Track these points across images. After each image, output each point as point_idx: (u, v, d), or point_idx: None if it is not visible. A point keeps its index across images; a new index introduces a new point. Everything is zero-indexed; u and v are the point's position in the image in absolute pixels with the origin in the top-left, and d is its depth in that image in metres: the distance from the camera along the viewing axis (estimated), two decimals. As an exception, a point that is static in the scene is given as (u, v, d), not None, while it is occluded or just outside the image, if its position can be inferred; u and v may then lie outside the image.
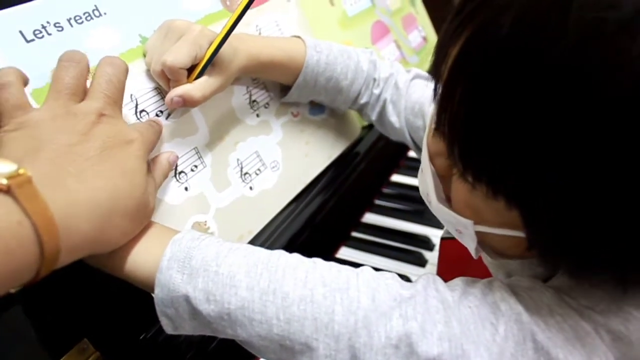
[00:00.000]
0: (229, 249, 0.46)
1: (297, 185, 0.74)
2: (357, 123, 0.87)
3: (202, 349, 0.60)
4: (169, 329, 0.46)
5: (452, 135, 0.36)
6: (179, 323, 0.45)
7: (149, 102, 0.58)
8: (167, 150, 0.58)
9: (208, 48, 0.55)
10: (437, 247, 0.87)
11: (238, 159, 0.67)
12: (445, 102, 0.36)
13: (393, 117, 0.73)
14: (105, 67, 0.47)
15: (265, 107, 0.72)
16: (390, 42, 1.00)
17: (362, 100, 0.74)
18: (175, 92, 0.54)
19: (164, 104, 0.59)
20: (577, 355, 0.37)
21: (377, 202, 0.99)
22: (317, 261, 0.46)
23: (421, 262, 0.85)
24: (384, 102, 0.73)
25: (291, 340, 0.42)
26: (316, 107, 0.79)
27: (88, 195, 0.39)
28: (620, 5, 0.28)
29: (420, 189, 0.50)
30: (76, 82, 0.45)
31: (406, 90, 0.72)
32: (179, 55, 0.53)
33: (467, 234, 0.44)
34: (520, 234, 0.39)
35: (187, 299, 0.43)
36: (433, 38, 1.14)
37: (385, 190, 1.02)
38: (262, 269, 0.44)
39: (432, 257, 0.86)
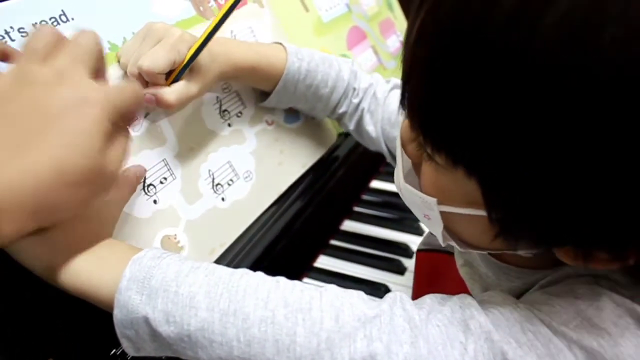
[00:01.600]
0: (190, 268, 0.45)
1: (271, 195, 0.73)
2: (332, 131, 0.86)
3: None
4: (130, 350, 0.45)
5: (413, 105, 0.38)
6: (140, 345, 0.44)
7: None
8: (135, 162, 0.57)
9: (187, 52, 0.55)
10: (414, 264, 0.86)
11: (209, 170, 0.65)
12: (407, 76, 0.38)
13: (370, 127, 0.73)
14: (76, 34, 0.44)
15: (238, 116, 0.71)
16: (367, 48, 1.00)
17: (341, 109, 0.74)
18: (149, 90, 0.54)
19: None
20: None
21: (356, 209, 0.98)
22: (280, 280, 0.45)
23: (400, 269, 0.84)
24: (362, 111, 0.73)
25: None
26: (291, 115, 0.78)
27: (25, 169, 0.37)
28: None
29: (395, 182, 0.49)
30: (42, 44, 0.42)
31: (384, 101, 0.72)
32: (156, 60, 0.52)
33: (433, 217, 0.43)
34: (482, 212, 0.38)
35: (146, 321, 0.42)
36: (411, 43, 1.14)
37: (365, 197, 1.01)
38: (222, 289, 0.43)
39: (411, 264, 0.85)
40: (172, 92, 0.55)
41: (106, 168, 0.42)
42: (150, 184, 0.58)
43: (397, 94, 0.73)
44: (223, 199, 0.66)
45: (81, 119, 0.40)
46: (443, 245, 0.47)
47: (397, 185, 0.48)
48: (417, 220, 0.92)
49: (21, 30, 0.51)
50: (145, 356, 0.53)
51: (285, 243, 0.73)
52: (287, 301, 0.42)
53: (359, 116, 0.74)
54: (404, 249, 0.88)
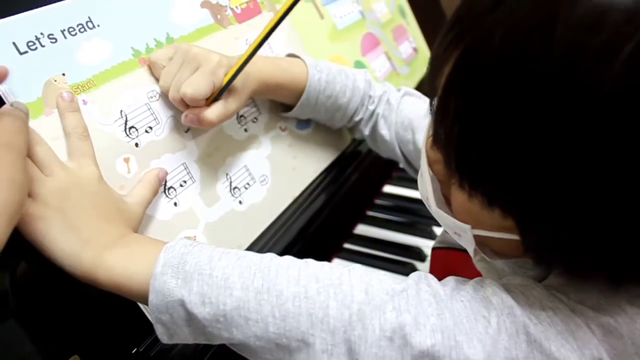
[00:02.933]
0: (222, 253, 0.46)
1: (286, 199, 0.74)
2: (343, 137, 0.88)
3: None
4: (164, 337, 0.46)
5: (449, 148, 0.39)
6: (173, 330, 0.46)
7: (139, 118, 0.59)
8: (156, 166, 0.59)
9: (225, 75, 0.58)
10: (429, 258, 0.87)
11: (227, 174, 0.67)
12: (440, 117, 0.39)
13: (384, 131, 0.76)
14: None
15: (254, 122, 0.72)
16: (381, 54, 1.01)
17: (358, 117, 0.77)
18: (192, 111, 0.58)
19: (154, 120, 0.60)
20: (569, 349, 0.38)
21: (369, 213, 0.99)
22: (309, 261, 0.47)
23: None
24: (377, 117, 0.77)
25: (287, 338, 0.42)
26: (302, 122, 0.80)
27: None
28: (600, 28, 0.30)
29: (420, 193, 0.52)
30: None
31: (397, 106, 0.76)
32: (198, 88, 0.56)
33: (465, 237, 0.46)
34: (516, 237, 0.40)
35: (182, 304, 0.44)
36: (424, 49, 1.15)
37: (378, 202, 1.03)
38: (255, 270, 0.45)
39: (424, 267, 0.86)
40: (212, 113, 0.58)
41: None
42: (171, 187, 0.60)
43: (409, 100, 0.77)
44: (240, 202, 0.68)
45: None
46: (474, 258, 0.48)
47: (426, 202, 0.50)
48: (429, 225, 0.94)
49: (50, 36, 0.53)
50: (167, 355, 0.56)
51: (301, 246, 0.75)
52: (318, 277, 0.44)
53: (374, 122, 0.77)
54: (417, 253, 0.89)
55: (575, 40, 0.31)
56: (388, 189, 1.06)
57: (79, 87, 0.55)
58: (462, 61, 0.36)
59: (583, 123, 0.31)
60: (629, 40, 0.30)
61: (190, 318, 0.44)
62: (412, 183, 1.04)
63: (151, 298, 0.45)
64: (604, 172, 0.32)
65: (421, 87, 1.07)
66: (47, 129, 0.51)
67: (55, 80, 0.53)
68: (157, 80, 0.61)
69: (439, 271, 0.67)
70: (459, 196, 0.42)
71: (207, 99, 0.58)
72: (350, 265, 0.46)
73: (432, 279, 0.44)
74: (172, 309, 0.44)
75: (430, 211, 0.50)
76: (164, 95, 0.61)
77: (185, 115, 0.58)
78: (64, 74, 0.53)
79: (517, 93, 0.33)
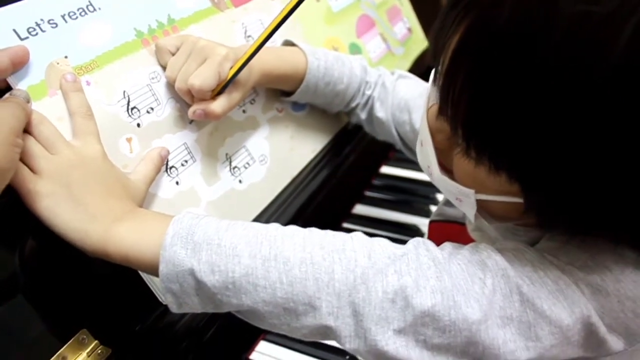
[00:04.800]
0: (228, 224, 0.47)
1: (285, 178, 0.76)
2: (338, 118, 0.89)
3: (197, 337, 0.62)
4: (173, 306, 0.47)
5: (456, 117, 0.40)
6: (183, 299, 0.46)
7: (141, 98, 0.60)
8: (158, 146, 0.60)
9: (230, 69, 0.60)
10: (426, 236, 0.89)
11: (227, 154, 0.68)
12: (448, 87, 0.40)
13: (380, 113, 0.78)
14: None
15: (251, 104, 0.73)
16: (376, 35, 1.02)
17: (355, 102, 0.80)
18: (199, 106, 0.60)
19: (155, 101, 0.61)
20: (560, 307, 0.41)
21: (367, 193, 1.01)
22: (312, 229, 0.48)
23: (410, 250, 0.86)
24: (372, 100, 0.79)
25: (295, 302, 0.44)
26: (298, 103, 0.80)
27: None
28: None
29: (420, 162, 0.54)
30: None
31: (392, 89, 0.78)
32: (205, 80, 0.58)
33: (467, 202, 0.47)
34: (519, 199, 0.42)
35: (192, 273, 0.45)
36: (417, 29, 1.15)
37: (375, 182, 1.04)
38: (262, 238, 0.46)
39: None
40: (218, 106, 0.60)
41: None
42: (173, 167, 0.61)
43: (403, 82, 0.79)
44: (240, 181, 0.69)
45: None
46: (472, 221, 0.50)
47: (429, 173, 0.51)
48: (426, 204, 0.96)
49: (51, 21, 0.54)
50: (172, 328, 0.58)
51: (299, 225, 0.75)
52: (323, 244, 0.45)
53: (370, 105, 0.80)
54: (414, 230, 0.91)
55: (579, 11, 0.32)
56: (385, 169, 1.07)
57: (82, 68, 0.55)
58: (471, 31, 0.37)
59: (587, 90, 0.33)
60: (634, 12, 0.31)
61: (200, 287, 0.45)
62: (408, 163, 1.06)
63: (161, 268, 0.46)
64: (608, 134, 0.34)
65: (416, 66, 1.08)
66: (51, 109, 0.52)
67: (58, 63, 0.53)
68: (161, 65, 0.63)
69: (436, 242, 0.70)
70: (462, 163, 0.44)
71: (212, 91, 0.60)
72: (352, 233, 0.48)
73: (430, 244, 0.46)
74: (182, 279, 0.45)
75: (432, 179, 0.52)
76: (165, 77, 0.63)
77: (194, 111, 0.60)
78: (66, 57, 0.54)
79: (524, 61, 0.34)
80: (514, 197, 0.42)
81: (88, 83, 0.56)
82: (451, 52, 0.39)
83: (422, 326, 0.41)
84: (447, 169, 0.49)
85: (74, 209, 0.48)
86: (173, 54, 0.62)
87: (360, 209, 0.98)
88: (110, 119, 0.57)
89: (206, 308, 0.48)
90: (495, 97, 0.37)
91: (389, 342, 0.42)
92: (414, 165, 1.03)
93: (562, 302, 0.41)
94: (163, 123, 0.62)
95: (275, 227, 0.48)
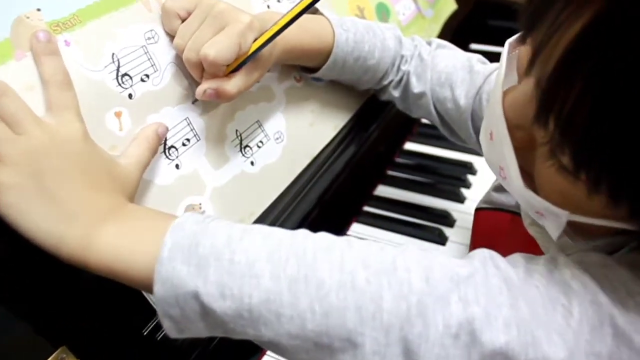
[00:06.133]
0: (243, 231, 0.40)
1: (304, 159, 0.67)
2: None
3: (203, 347, 0.55)
4: (172, 332, 0.40)
5: (565, 131, 0.33)
6: (184, 325, 0.39)
7: (134, 63, 0.52)
8: (154, 121, 0.52)
9: (253, 42, 0.52)
10: (458, 223, 0.81)
11: (237, 130, 0.60)
12: (556, 93, 0.32)
13: (417, 90, 0.70)
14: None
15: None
16: (405, -5, 0.92)
17: (387, 79, 0.72)
18: (210, 85, 0.52)
19: (151, 66, 0.53)
20: None
21: (390, 172, 0.93)
22: (352, 239, 0.40)
23: (441, 239, 0.78)
24: (408, 75, 0.71)
25: (329, 337, 0.37)
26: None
27: None
28: None
29: (489, 159, 0.45)
30: None
31: (431, 61, 0.70)
32: (221, 50, 0.50)
33: (554, 220, 0.39)
34: (626, 225, 0.35)
35: (196, 296, 0.37)
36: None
37: (399, 160, 0.96)
38: (287, 253, 0.38)
39: (453, 234, 0.79)
40: (233, 85, 0.53)
41: None
42: (172, 146, 0.54)
43: (442, 53, 0.72)
44: (252, 163, 0.61)
45: None
46: (555, 240, 0.42)
47: (500, 176, 0.43)
48: (456, 186, 0.88)
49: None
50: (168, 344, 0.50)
51: (319, 211, 0.68)
52: (366, 261, 0.38)
53: (406, 81, 0.71)
54: (444, 217, 0.82)
55: None
56: (409, 146, 0.99)
57: (60, 24, 0.47)
58: (597, 25, 0.30)
59: None
60: None
61: (206, 312, 0.38)
62: (434, 140, 0.98)
63: (157, 289, 0.38)
64: None
65: (445, 30, 1.01)
66: (18, 76, 0.43)
67: (28, 17, 0.45)
68: (167, 31, 0.55)
69: (484, 234, 0.65)
70: (554, 177, 0.36)
71: (227, 66, 0.52)
72: (402, 246, 0.40)
73: (500, 259, 0.38)
74: (184, 302, 0.38)
75: (504, 184, 0.43)
76: (165, 37, 0.54)
77: (204, 90, 0.52)
78: (39, 9, 0.46)
79: None
80: (621, 222, 0.35)
81: (67, 43, 0.47)
82: (565, 49, 0.31)
83: None
84: (524, 170, 0.40)
85: (45, 206, 0.39)
86: (183, 20, 0.53)
87: (382, 190, 0.89)
88: (95, 89, 0.49)
89: (215, 333, 0.40)
90: (628, 111, 0.29)
91: None
92: (442, 142, 0.96)
93: None
94: (161, 94, 0.53)
95: (303, 236, 0.40)
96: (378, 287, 0.36)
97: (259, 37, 0.52)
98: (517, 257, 0.40)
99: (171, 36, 0.54)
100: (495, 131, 0.41)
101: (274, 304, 0.37)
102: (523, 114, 0.36)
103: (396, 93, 0.72)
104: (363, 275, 0.37)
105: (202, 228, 0.39)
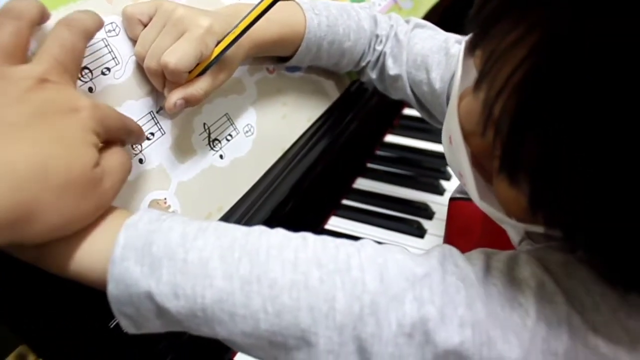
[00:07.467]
0: (197, 229, 0.39)
1: (276, 152, 0.66)
2: (341, 79, 0.78)
3: (175, 337, 0.53)
4: (130, 329, 0.39)
5: (517, 158, 0.31)
6: (141, 322, 0.39)
7: (94, 56, 0.50)
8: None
9: (215, 46, 0.51)
10: (437, 216, 0.81)
11: (204, 124, 0.58)
12: (509, 138, 0.31)
13: (393, 71, 0.68)
14: (60, 29, 0.40)
15: (236, 62, 0.63)
16: (381, -15, 0.90)
17: (365, 61, 0.70)
18: (177, 95, 0.50)
19: (112, 59, 0.51)
20: (620, 343, 0.33)
21: (370, 165, 0.92)
22: (308, 236, 0.39)
23: (420, 232, 0.78)
24: (384, 56, 0.69)
25: (283, 336, 0.36)
26: (294, 64, 0.70)
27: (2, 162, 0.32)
28: None
29: (450, 163, 0.45)
30: (12, 41, 0.38)
31: (407, 42, 0.67)
32: (182, 58, 0.48)
33: (512, 228, 0.40)
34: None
35: (149, 296, 0.37)
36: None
37: (379, 153, 0.95)
38: (240, 252, 0.37)
39: (431, 226, 0.79)
40: (200, 90, 0.51)
41: (99, 180, 0.38)
42: None
43: (419, 34, 0.68)
44: (221, 157, 0.59)
45: (69, 126, 0.37)
46: (516, 247, 0.43)
47: (459, 178, 0.43)
48: (436, 178, 0.87)
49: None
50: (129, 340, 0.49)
51: (293, 205, 0.67)
52: (320, 260, 0.37)
53: (382, 63, 0.69)
54: (423, 209, 0.82)
55: None
56: (390, 138, 0.98)
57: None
58: (545, 51, 0.27)
59: None
60: None
61: (161, 312, 0.37)
62: (416, 132, 0.98)
63: (110, 288, 0.37)
64: None
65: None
66: None
67: None
68: (131, 38, 0.53)
69: (458, 224, 0.64)
70: (506, 189, 0.35)
71: (189, 72, 0.50)
72: (359, 242, 0.39)
73: (459, 256, 0.37)
74: (138, 302, 0.37)
75: (465, 189, 0.42)
76: (127, 29, 0.52)
77: (174, 103, 0.50)
78: None
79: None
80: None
81: (20, 35, 0.44)
82: (507, 77, 0.29)
83: None
84: (489, 173, 0.39)
85: None
86: (145, 25, 0.51)
87: (362, 183, 0.89)
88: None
89: (174, 329, 0.39)
90: (594, 154, 0.27)
91: None
92: (423, 134, 0.95)
93: (623, 337, 0.33)
94: (123, 87, 0.51)
95: (258, 233, 0.39)
96: (331, 286, 0.36)
97: (222, 39, 0.50)
98: (478, 254, 0.39)
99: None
100: (454, 137, 0.40)
101: (226, 304, 0.36)
102: (479, 121, 0.34)
103: (373, 74, 0.70)
104: (317, 274, 0.36)
105: (156, 227, 0.38)
